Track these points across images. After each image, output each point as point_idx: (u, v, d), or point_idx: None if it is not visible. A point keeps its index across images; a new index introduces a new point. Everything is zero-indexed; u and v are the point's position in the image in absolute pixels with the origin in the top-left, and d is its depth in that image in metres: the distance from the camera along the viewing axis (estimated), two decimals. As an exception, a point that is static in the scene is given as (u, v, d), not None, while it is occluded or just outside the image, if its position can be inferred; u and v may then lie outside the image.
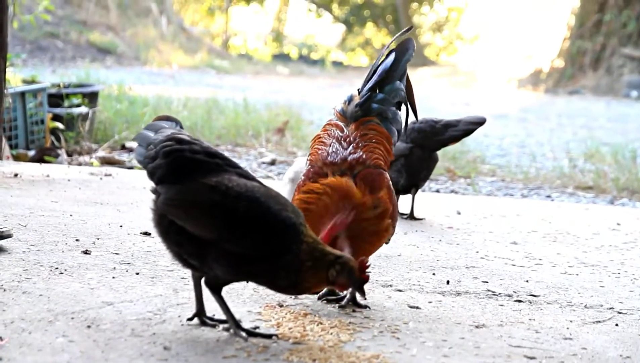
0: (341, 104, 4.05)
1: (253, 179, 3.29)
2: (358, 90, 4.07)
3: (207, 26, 36.54)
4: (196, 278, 3.35)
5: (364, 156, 3.81)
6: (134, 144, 9.71)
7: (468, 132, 6.27)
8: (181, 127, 3.50)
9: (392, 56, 4.07)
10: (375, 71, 4.06)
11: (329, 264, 3.22)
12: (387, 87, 4.04)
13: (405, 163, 6.15)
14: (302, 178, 3.84)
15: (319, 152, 3.88)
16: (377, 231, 3.76)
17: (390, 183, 3.87)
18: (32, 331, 3.21)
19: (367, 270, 3.30)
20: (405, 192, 6.24)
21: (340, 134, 3.92)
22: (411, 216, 6.19)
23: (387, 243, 3.96)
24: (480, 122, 6.28)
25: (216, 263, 3.17)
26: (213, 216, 3.16)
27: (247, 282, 3.97)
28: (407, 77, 4.18)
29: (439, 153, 6.37)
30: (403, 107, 4.17)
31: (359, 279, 3.27)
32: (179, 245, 3.23)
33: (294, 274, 3.19)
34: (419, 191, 6.40)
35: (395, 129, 4.05)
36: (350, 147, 3.85)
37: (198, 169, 3.24)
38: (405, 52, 4.11)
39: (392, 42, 4.14)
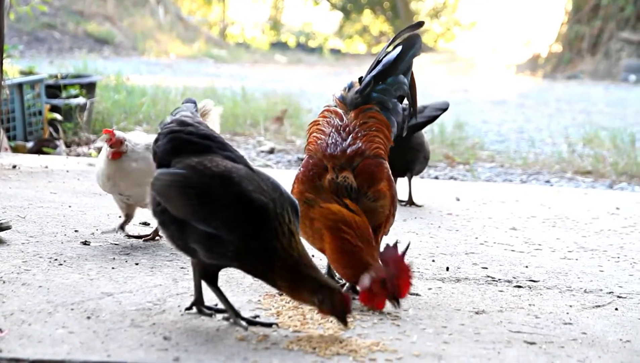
0: (341, 91, 4.04)
1: (241, 162, 3.29)
2: (359, 78, 4.06)
3: (205, 15, 36.45)
4: (196, 267, 3.35)
5: (362, 147, 3.80)
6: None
7: (432, 118, 6.33)
8: (196, 107, 3.58)
9: (399, 49, 4.06)
10: (379, 62, 4.05)
11: (310, 291, 3.18)
12: (390, 78, 4.03)
13: None
14: (302, 168, 3.82)
15: (318, 142, 3.86)
16: (386, 227, 3.78)
17: (390, 172, 3.86)
18: (31, 322, 3.21)
19: (350, 304, 3.21)
20: (399, 176, 6.19)
21: (340, 123, 3.90)
22: (410, 202, 6.19)
23: (385, 234, 3.96)
24: (444, 108, 6.37)
25: (196, 244, 3.18)
26: (188, 195, 3.18)
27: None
28: (412, 73, 4.17)
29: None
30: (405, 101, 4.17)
31: (342, 312, 3.20)
32: (165, 226, 3.26)
33: (262, 264, 3.17)
34: (418, 177, 6.38)
35: (395, 120, 4.05)
36: (350, 138, 3.83)
37: (187, 150, 3.29)
38: (412, 47, 4.09)
39: (399, 35, 4.12)
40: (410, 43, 4.09)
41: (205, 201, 3.16)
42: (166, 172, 3.27)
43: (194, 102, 3.64)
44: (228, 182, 3.18)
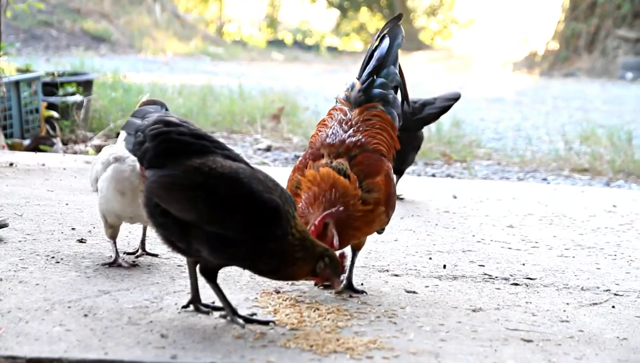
0: (344, 91, 4.05)
1: (241, 161, 3.28)
2: (357, 77, 4.07)
3: (201, 13, 36.46)
4: (191, 265, 3.35)
5: (363, 140, 3.80)
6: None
7: (445, 108, 6.32)
8: (166, 109, 3.52)
9: (386, 41, 4.08)
10: (371, 57, 4.07)
11: (318, 256, 3.22)
12: (384, 71, 4.05)
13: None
14: (300, 158, 3.84)
15: (319, 133, 3.88)
16: (370, 219, 3.70)
17: (391, 170, 3.85)
18: (28, 320, 3.21)
19: (344, 264, 3.36)
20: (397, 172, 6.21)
21: (343, 117, 3.92)
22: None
23: (380, 233, 3.95)
24: (456, 98, 6.36)
25: (201, 246, 3.17)
26: (195, 198, 3.14)
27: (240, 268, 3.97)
28: (399, 64, 4.19)
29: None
30: (399, 91, 4.18)
31: (340, 273, 3.32)
32: (164, 228, 3.22)
33: (277, 260, 3.18)
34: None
35: (396, 113, 4.06)
36: (351, 130, 3.85)
37: (184, 151, 3.24)
38: (395, 37, 4.12)
39: (382, 29, 4.15)
40: (394, 35, 4.13)
41: (214, 204, 3.13)
42: (164, 174, 3.21)
43: (162, 104, 3.57)
44: (237, 183, 3.16)
